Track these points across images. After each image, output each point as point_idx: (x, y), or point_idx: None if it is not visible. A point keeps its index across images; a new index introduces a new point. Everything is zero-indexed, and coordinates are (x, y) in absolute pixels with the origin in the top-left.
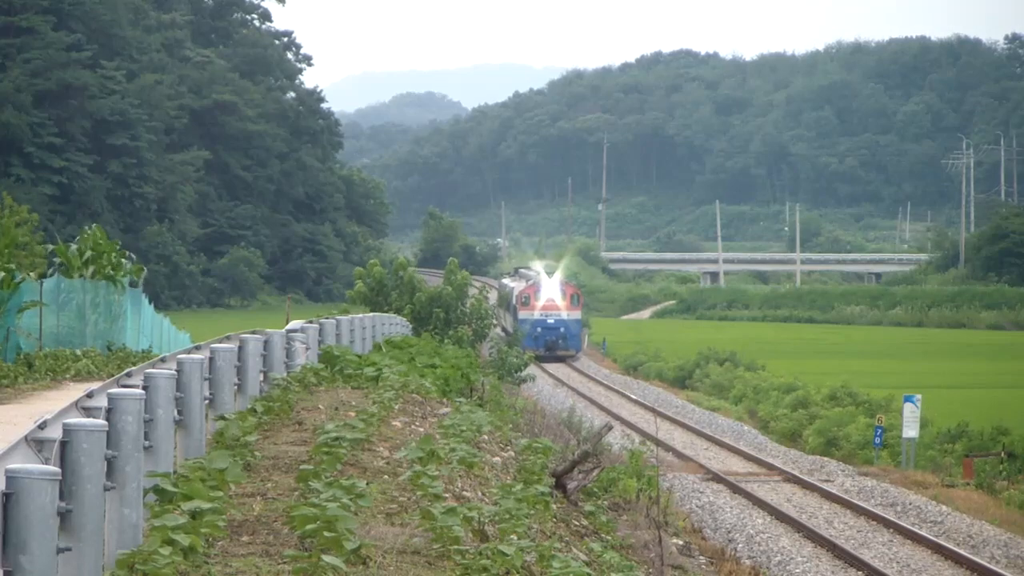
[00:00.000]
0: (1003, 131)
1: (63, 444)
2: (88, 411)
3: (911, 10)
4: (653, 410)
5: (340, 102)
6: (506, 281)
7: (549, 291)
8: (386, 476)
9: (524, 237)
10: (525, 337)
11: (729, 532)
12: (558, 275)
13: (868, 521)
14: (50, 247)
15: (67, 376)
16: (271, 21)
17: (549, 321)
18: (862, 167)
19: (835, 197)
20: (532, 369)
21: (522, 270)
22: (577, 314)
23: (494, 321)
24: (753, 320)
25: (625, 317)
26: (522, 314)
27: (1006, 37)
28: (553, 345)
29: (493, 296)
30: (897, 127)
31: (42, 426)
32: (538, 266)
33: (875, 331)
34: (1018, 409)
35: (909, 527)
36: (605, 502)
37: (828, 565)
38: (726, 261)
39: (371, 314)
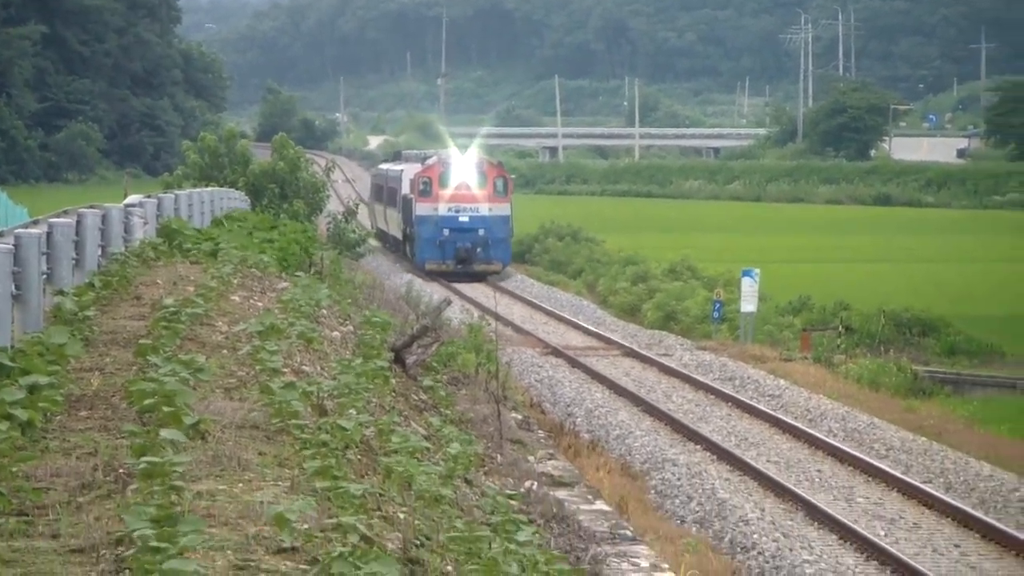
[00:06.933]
0: (841, 6)
1: None
2: None
3: None
4: (492, 284)
5: None
6: (386, 166)
7: (462, 172)
8: (225, 351)
9: (363, 112)
10: (423, 244)
11: (568, 406)
12: (474, 150)
13: (706, 395)
14: None
15: None
16: None
17: (462, 219)
18: (700, 42)
19: (673, 72)
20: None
21: (407, 152)
22: (505, 207)
23: (329, 193)
24: (592, 195)
25: None
26: (420, 208)
27: None
28: (468, 256)
29: (342, 174)
30: (735, 2)
31: None
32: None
33: (713, 206)
34: (855, 284)
35: (747, 401)
36: (444, 377)
37: (667, 439)
38: (565, 136)
39: (209, 188)
